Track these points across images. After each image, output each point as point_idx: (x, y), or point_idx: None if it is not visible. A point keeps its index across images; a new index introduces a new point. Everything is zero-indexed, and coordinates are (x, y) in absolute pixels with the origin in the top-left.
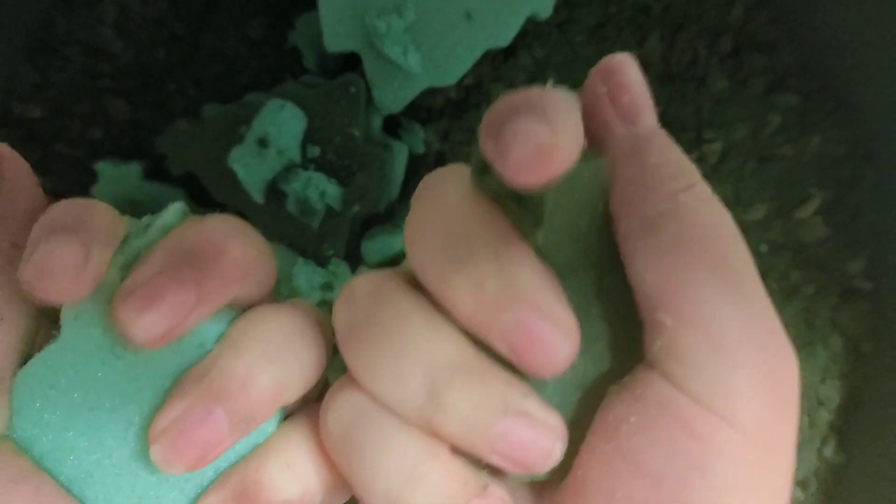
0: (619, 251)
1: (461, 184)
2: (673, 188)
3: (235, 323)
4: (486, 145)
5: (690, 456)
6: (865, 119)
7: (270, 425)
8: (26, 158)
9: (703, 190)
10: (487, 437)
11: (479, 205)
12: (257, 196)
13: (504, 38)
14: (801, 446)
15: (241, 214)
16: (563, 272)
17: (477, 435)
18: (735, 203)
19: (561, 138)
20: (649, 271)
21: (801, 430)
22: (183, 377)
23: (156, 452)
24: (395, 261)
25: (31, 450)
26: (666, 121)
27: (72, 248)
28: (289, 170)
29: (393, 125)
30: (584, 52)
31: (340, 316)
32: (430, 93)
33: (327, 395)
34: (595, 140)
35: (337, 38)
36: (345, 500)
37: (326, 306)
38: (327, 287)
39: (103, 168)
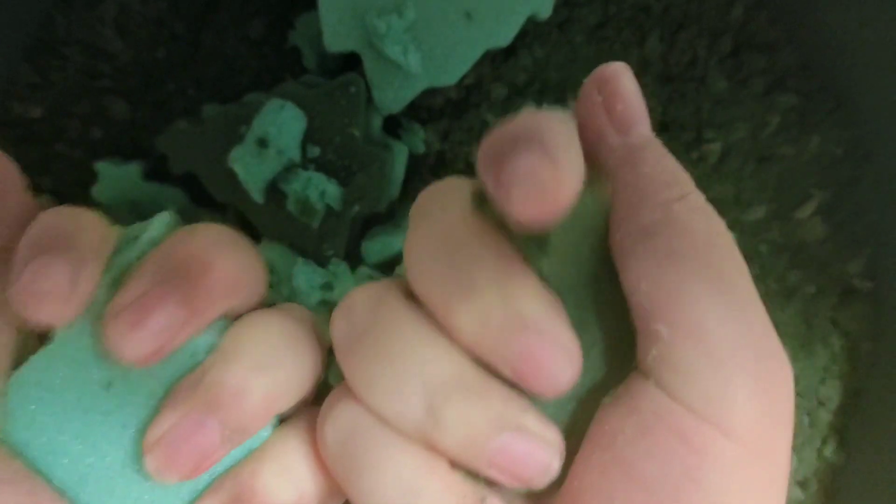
0: (613, 260)
1: (461, 200)
2: (666, 197)
3: (227, 332)
4: (487, 180)
5: (686, 466)
6: (865, 119)
7: (266, 430)
8: (26, 158)
9: (697, 199)
10: (485, 452)
11: (481, 226)
12: (257, 196)
13: (504, 38)
14: (801, 446)
15: (241, 214)
16: (563, 290)
17: (475, 450)
18: (735, 203)
19: (564, 175)
20: (644, 280)
21: (801, 430)
22: (176, 387)
23: (150, 463)
24: (395, 261)
25: (26, 452)
26: (666, 121)
27: (61, 271)
28: (289, 170)
29: (393, 125)
30: (584, 52)
31: (339, 328)
32: (430, 93)
33: (325, 406)
34: (589, 149)
35: (337, 38)
36: None
37: (326, 306)
38: (327, 287)
39: (103, 168)
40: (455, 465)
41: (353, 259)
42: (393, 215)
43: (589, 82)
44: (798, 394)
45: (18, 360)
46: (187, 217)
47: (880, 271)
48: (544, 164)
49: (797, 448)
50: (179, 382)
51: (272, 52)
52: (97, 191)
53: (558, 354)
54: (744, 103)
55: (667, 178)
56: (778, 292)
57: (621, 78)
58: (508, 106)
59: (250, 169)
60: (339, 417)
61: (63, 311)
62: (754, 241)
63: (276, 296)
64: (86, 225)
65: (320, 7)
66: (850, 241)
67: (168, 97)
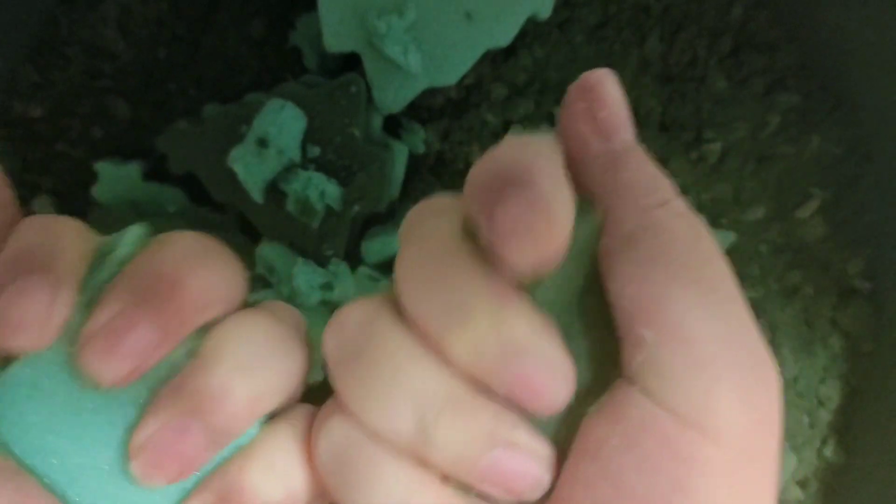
0: (599, 273)
1: (451, 222)
2: (648, 203)
3: (210, 334)
4: (478, 222)
5: (673, 476)
6: (865, 119)
7: (253, 427)
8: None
9: (679, 205)
10: (477, 468)
11: (471, 248)
12: (257, 196)
13: (504, 38)
14: (801, 446)
15: (242, 214)
16: (552, 307)
17: (467, 466)
18: (735, 203)
19: (558, 223)
20: (628, 284)
21: (801, 430)
22: (159, 391)
23: (135, 468)
24: (394, 261)
25: (15, 451)
26: (666, 121)
27: (38, 298)
28: (289, 170)
29: (393, 125)
30: (584, 52)
31: (331, 345)
32: (430, 93)
33: (318, 420)
34: (572, 156)
35: (337, 39)
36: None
37: (326, 306)
38: (327, 287)
39: (103, 168)
40: (447, 478)
41: (353, 259)
42: (393, 215)
43: (573, 89)
44: (798, 394)
45: (7, 360)
46: (187, 217)
47: (880, 271)
48: (538, 215)
49: (797, 448)
50: (162, 386)
51: (273, 52)
52: (97, 191)
53: (554, 377)
54: (744, 103)
55: (649, 185)
56: (778, 292)
57: (605, 84)
58: (508, 106)
59: (250, 169)
60: (332, 432)
61: (39, 340)
62: (754, 241)
63: (276, 296)
64: (65, 240)
65: (320, 7)
66: (850, 241)
67: (169, 97)
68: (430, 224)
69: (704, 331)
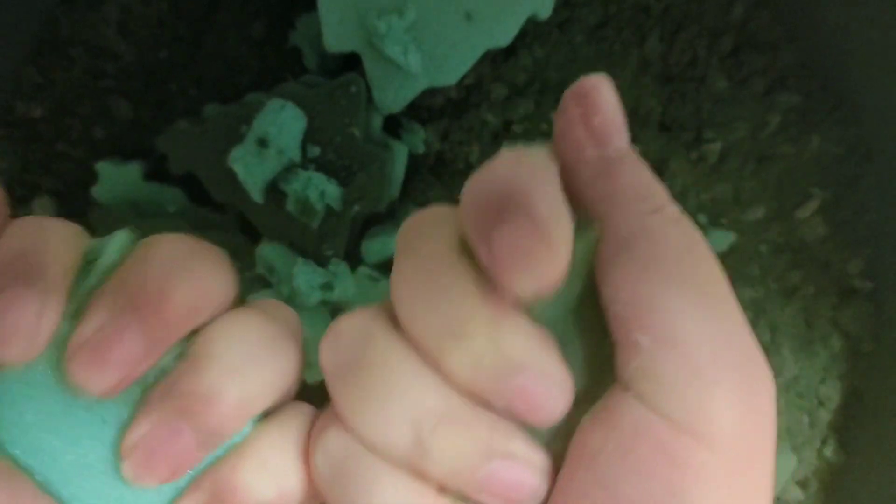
0: (594, 284)
1: (447, 236)
2: (642, 210)
3: (200, 334)
4: (475, 245)
5: (668, 483)
6: (865, 119)
7: (246, 426)
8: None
9: (673, 211)
10: (474, 480)
11: (468, 262)
12: (257, 196)
13: (504, 38)
14: (801, 446)
15: (242, 214)
16: (548, 320)
17: (464, 477)
18: (735, 203)
19: (557, 250)
20: (622, 290)
21: (801, 430)
22: (150, 392)
23: (127, 468)
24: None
25: (9, 450)
26: (666, 121)
27: (27, 310)
28: (289, 170)
29: (393, 125)
30: (584, 52)
31: (327, 358)
32: (430, 93)
33: (315, 431)
34: (567, 162)
35: (337, 39)
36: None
37: (326, 306)
38: (327, 287)
39: (103, 168)
40: (444, 489)
41: (353, 259)
42: (393, 215)
43: (568, 95)
44: (798, 394)
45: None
46: (187, 217)
47: (880, 271)
48: (537, 243)
49: (797, 448)
50: (154, 388)
51: (273, 52)
52: (97, 191)
53: (552, 390)
54: (744, 103)
55: (643, 191)
56: (778, 292)
57: (600, 91)
58: (508, 106)
59: (250, 169)
60: (329, 444)
61: (27, 352)
62: (754, 241)
63: (276, 295)
64: (54, 246)
65: (320, 7)
66: (850, 241)
67: (170, 97)
68: (426, 236)
69: (698, 336)
